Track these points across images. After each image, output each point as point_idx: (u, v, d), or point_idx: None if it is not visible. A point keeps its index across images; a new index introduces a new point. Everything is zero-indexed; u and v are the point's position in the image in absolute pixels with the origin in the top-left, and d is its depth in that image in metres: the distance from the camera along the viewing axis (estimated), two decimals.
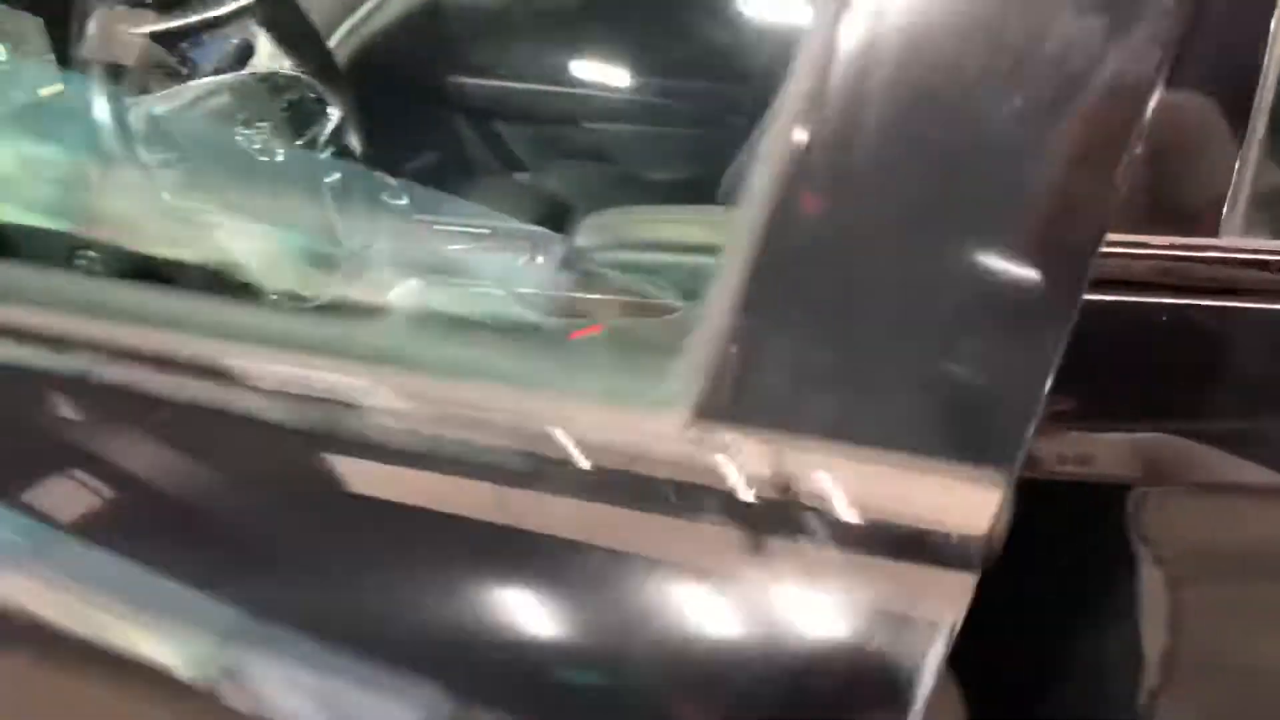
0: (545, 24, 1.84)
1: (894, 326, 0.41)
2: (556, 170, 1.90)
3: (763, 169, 0.43)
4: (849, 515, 0.38)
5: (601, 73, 1.86)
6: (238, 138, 1.00)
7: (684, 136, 1.81)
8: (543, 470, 0.43)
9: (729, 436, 0.40)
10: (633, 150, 1.85)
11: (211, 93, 1.02)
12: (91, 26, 0.96)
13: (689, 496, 0.40)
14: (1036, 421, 0.38)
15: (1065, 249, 0.40)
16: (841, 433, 0.40)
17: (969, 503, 0.37)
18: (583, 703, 0.40)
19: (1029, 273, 0.40)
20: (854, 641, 0.37)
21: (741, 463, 0.40)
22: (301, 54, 1.14)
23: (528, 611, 0.41)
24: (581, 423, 0.43)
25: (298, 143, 1.08)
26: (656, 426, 0.41)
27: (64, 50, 1.22)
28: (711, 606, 0.39)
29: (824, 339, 0.42)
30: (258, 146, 1.02)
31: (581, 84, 1.86)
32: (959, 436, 0.39)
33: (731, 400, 0.41)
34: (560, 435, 0.43)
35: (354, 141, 1.18)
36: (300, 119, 1.11)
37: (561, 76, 1.85)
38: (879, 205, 0.42)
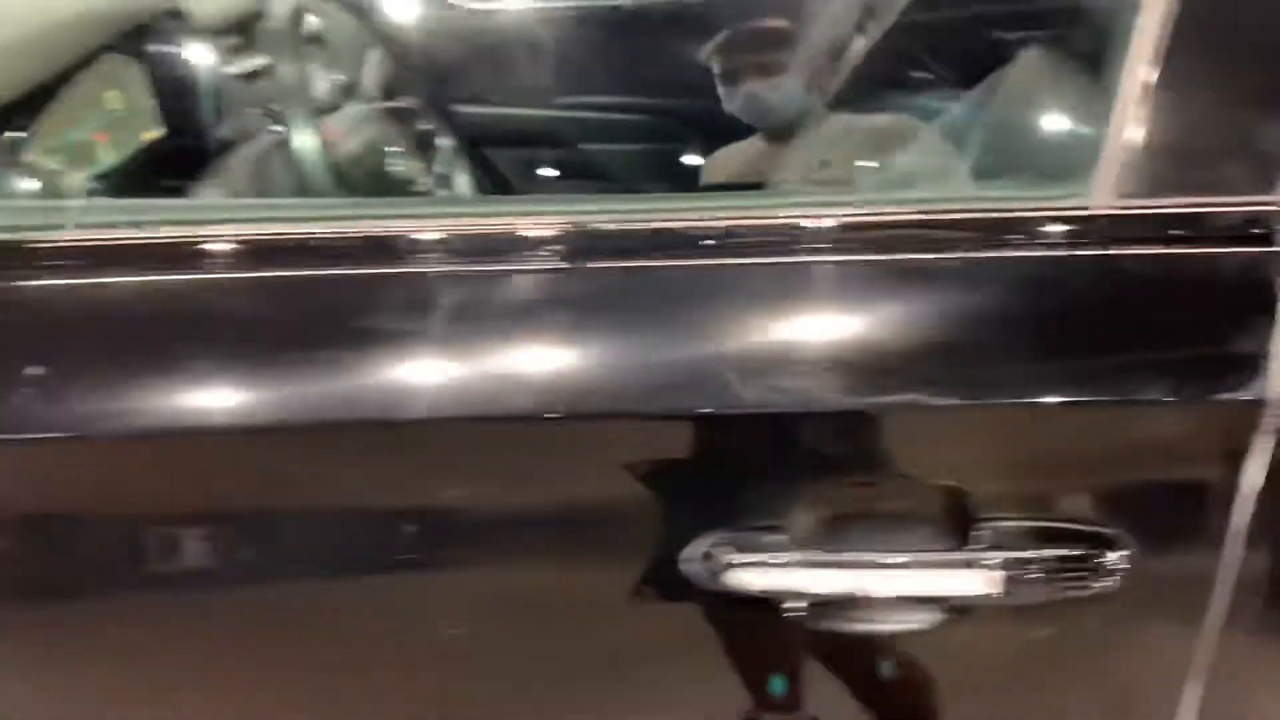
0: (533, 48, 1.91)
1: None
2: (547, 191, 1.98)
3: None
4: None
5: (591, 94, 1.94)
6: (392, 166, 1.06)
7: (674, 151, 1.91)
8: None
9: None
10: (625, 169, 1.94)
11: (361, 125, 1.08)
12: None
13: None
14: None
15: None
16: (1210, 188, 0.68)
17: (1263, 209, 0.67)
18: None
19: None
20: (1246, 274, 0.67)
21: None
22: (417, 87, 1.21)
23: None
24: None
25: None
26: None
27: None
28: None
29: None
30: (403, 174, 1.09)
31: (572, 106, 1.94)
32: (1259, 174, 0.67)
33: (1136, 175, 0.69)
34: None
35: (463, 167, 1.25)
36: (421, 147, 1.17)
37: (551, 99, 1.93)
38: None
